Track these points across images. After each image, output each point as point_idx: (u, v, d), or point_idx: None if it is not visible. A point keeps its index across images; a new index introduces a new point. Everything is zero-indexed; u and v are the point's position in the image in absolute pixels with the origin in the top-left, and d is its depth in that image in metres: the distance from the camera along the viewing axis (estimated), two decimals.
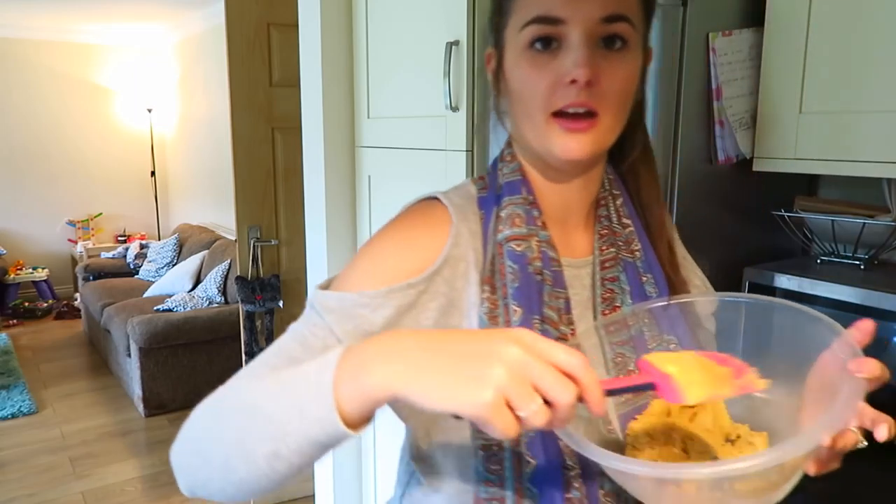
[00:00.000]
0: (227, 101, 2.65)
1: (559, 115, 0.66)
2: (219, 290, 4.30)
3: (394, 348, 0.52)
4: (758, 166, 1.35)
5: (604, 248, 0.75)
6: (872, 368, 0.54)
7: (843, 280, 1.28)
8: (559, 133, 0.66)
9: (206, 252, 4.82)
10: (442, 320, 0.68)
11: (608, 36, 0.65)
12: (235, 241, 2.82)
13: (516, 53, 0.68)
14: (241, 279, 2.77)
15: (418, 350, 0.51)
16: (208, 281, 4.38)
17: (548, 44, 0.66)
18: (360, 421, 0.53)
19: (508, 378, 0.47)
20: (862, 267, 1.38)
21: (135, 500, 3.01)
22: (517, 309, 0.66)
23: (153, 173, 6.53)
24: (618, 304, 0.73)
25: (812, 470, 0.57)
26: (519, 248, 0.69)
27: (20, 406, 3.86)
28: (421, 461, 0.75)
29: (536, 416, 0.47)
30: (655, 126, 1.28)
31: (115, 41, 6.35)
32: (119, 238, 6.38)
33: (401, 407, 0.73)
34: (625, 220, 0.77)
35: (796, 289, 1.32)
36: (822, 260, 1.43)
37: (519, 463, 0.66)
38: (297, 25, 2.06)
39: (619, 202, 0.77)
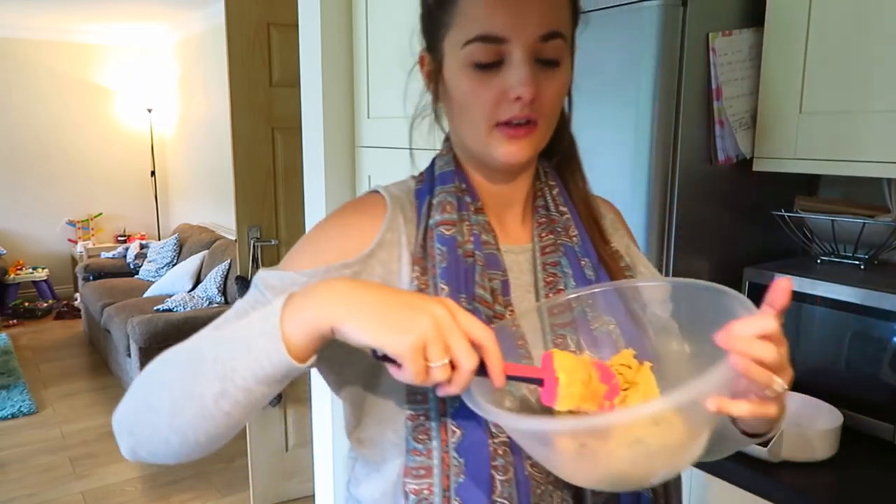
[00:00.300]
0: (227, 101, 2.65)
1: (501, 123, 0.71)
2: (219, 290, 4.31)
3: (337, 290, 0.58)
4: (758, 166, 1.36)
5: (543, 234, 0.79)
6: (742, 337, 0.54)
7: (843, 280, 1.28)
8: (502, 141, 0.72)
9: (206, 252, 4.83)
10: None
11: (545, 57, 0.70)
12: (235, 241, 2.82)
13: (457, 67, 0.72)
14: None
15: (358, 294, 0.58)
16: (208, 281, 4.38)
17: (490, 61, 0.70)
18: (305, 353, 0.58)
19: (431, 330, 0.55)
20: (862, 267, 1.38)
21: (135, 500, 3.01)
22: (445, 287, 0.69)
23: (153, 173, 6.53)
24: (561, 288, 0.76)
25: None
26: (448, 232, 0.73)
27: (20, 406, 3.86)
28: (359, 443, 0.78)
29: (441, 370, 0.55)
30: (655, 126, 1.28)
31: (115, 41, 6.35)
32: (119, 238, 6.38)
33: (334, 380, 0.77)
34: (562, 209, 0.81)
35: (796, 289, 1.32)
36: (822, 260, 1.43)
37: (445, 432, 0.68)
38: (297, 25, 2.07)
39: (555, 192, 0.82)
